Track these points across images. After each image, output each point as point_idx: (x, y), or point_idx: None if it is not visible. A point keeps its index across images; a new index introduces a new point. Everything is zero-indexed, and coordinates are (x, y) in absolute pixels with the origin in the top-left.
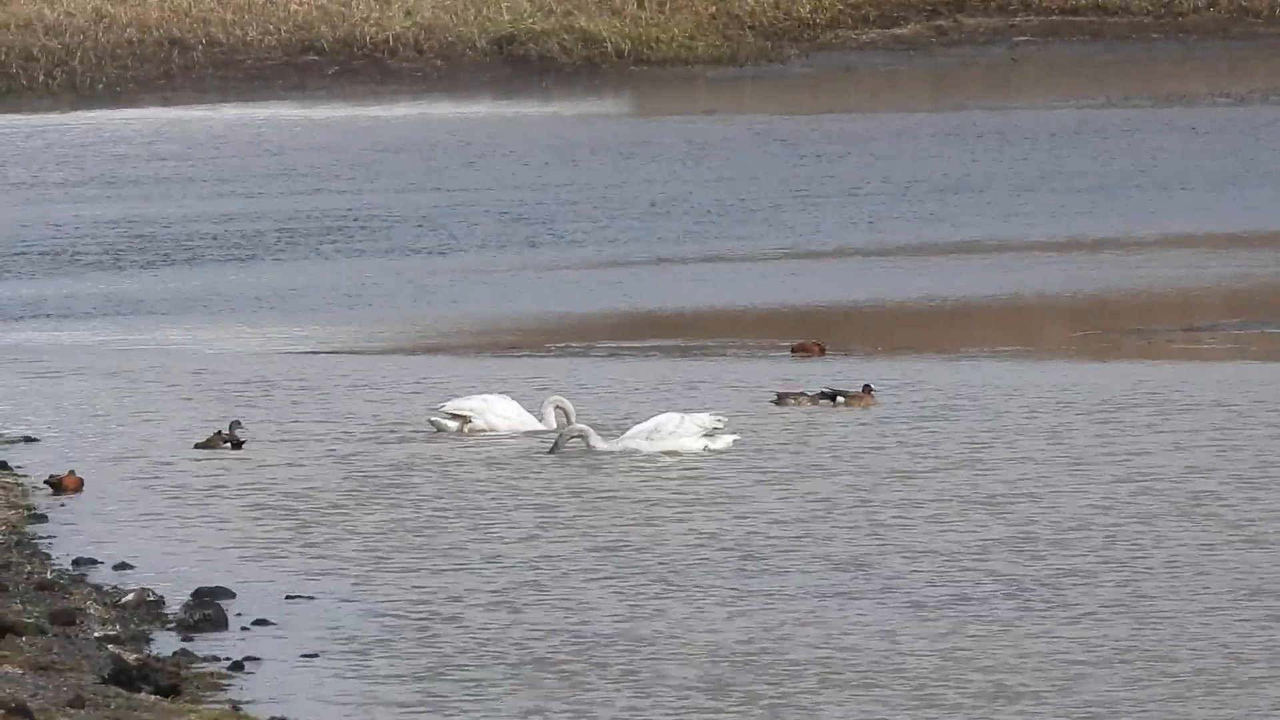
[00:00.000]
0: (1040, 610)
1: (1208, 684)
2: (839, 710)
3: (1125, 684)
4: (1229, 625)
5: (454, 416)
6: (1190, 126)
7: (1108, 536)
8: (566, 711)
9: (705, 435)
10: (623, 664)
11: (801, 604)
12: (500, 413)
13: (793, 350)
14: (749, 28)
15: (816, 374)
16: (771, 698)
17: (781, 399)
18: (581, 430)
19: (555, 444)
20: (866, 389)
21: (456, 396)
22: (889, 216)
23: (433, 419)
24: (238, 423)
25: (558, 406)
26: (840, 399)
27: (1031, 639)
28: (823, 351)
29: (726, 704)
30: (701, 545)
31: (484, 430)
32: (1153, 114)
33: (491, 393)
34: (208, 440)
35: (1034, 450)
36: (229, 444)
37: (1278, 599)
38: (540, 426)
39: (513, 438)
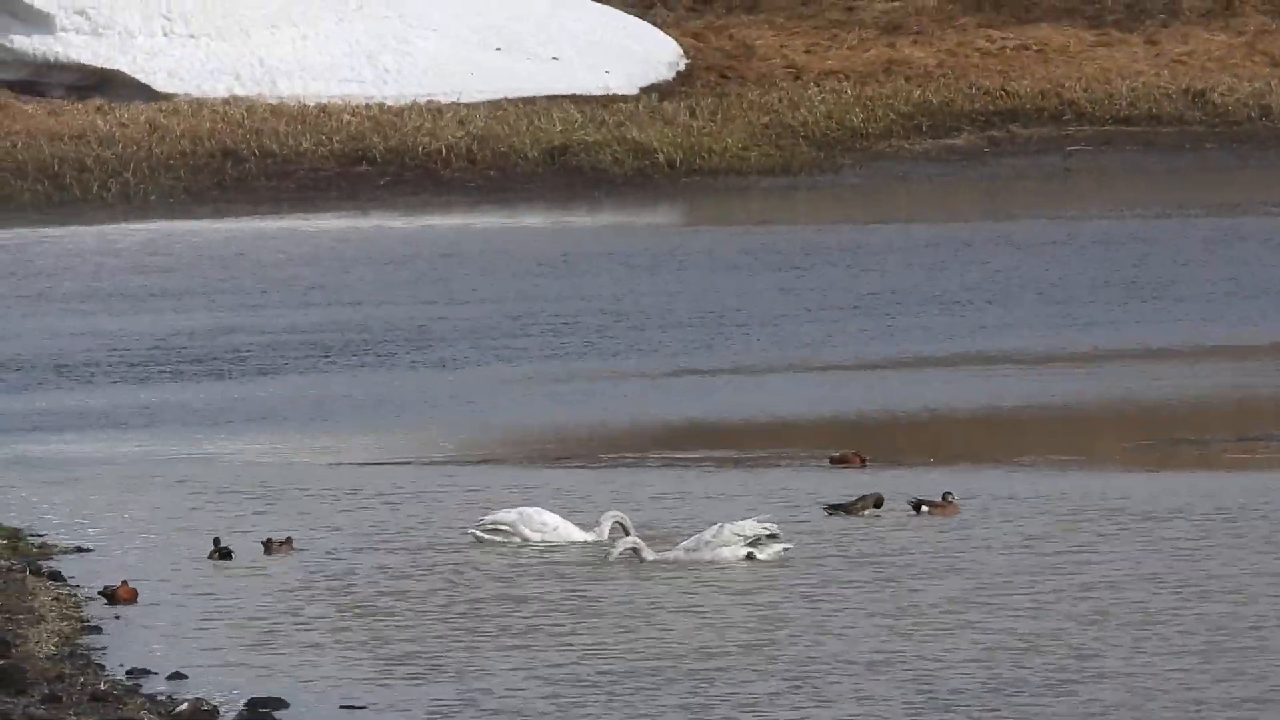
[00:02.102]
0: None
1: None
2: None
3: None
4: None
5: (494, 530)
6: (1244, 236)
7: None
8: None
9: (750, 544)
10: None
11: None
12: (536, 525)
13: (832, 461)
14: (802, 138)
15: (859, 486)
16: None
17: (835, 509)
18: (634, 544)
19: (609, 555)
20: (946, 497)
21: (498, 509)
22: (941, 326)
23: (474, 531)
24: (269, 540)
25: (617, 522)
26: (925, 508)
27: None
28: (863, 463)
29: None
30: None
31: (520, 543)
32: (1206, 223)
33: (529, 505)
34: (268, 544)
35: (1091, 564)
36: (218, 555)
37: None
38: (586, 536)
39: (557, 548)
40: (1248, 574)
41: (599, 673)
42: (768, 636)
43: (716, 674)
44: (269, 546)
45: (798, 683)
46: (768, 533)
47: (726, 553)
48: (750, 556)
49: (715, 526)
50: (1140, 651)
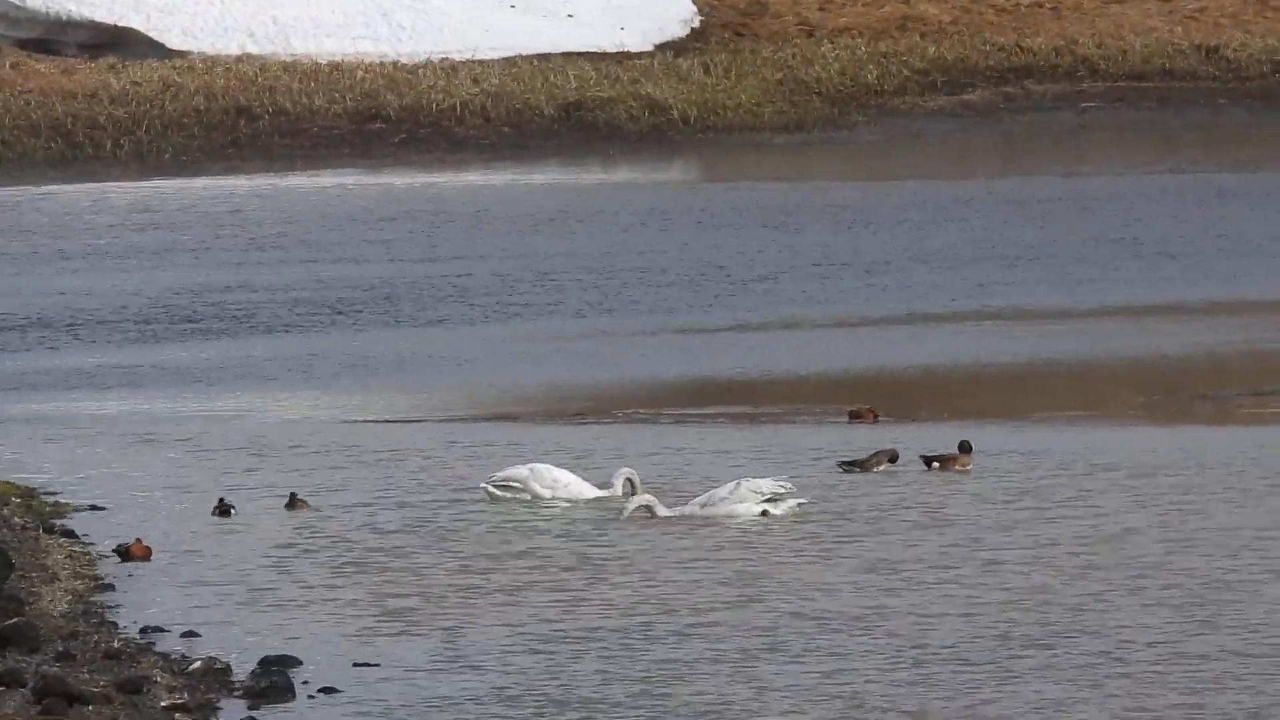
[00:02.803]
0: (1117, 669)
1: None
2: None
3: None
4: None
5: (505, 486)
6: (1258, 192)
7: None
8: None
9: (765, 500)
10: None
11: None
12: (548, 482)
13: (850, 416)
14: (816, 94)
15: (874, 440)
16: None
17: (850, 466)
18: (645, 501)
19: (623, 512)
20: (963, 447)
21: (509, 466)
22: (956, 282)
23: (485, 487)
24: (294, 495)
25: (628, 479)
26: (935, 464)
27: (1115, 697)
28: (876, 418)
29: None
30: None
31: (531, 499)
32: (1220, 179)
33: (539, 461)
34: (288, 502)
35: (1100, 518)
36: (219, 512)
37: None
38: (596, 493)
39: (569, 505)
40: (1249, 529)
41: (590, 629)
42: (760, 592)
43: (705, 629)
44: (293, 502)
45: (777, 639)
46: (784, 490)
47: (741, 509)
48: (765, 513)
49: (732, 483)
50: (1126, 606)
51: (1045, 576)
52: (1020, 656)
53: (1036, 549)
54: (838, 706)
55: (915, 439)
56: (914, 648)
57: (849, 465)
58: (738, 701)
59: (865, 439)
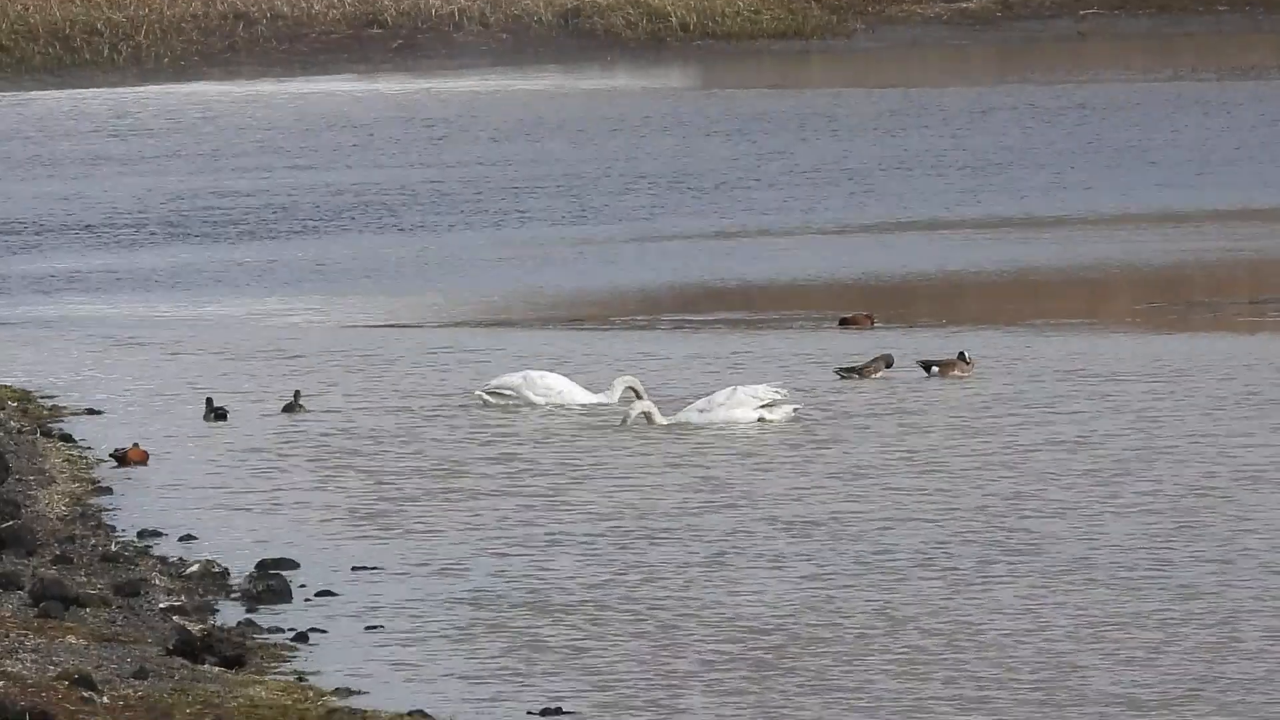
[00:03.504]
0: (1097, 580)
1: None
2: (890, 684)
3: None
4: None
5: (499, 393)
6: (1258, 99)
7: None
8: (631, 678)
9: (762, 406)
10: (696, 631)
11: (844, 576)
12: (541, 389)
13: (841, 323)
14: (814, 1)
15: (869, 346)
16: (809, 670)
17: (847, 372)
18: (645, 408)
19: (623, 420)
20: (961, 357)
21: (503, 372)
22: (954, 190)
23: (480, 394)
24: (298, 393)
25: (629, 387)
26: (934, 369)
27: (1098, 605)
28: (873, 323)
29: (765, 672)
30: (743, 515)
31: (523, 405)
32: (1220, 87)
33: (534, 368)
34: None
35: (1089, 423)
36: (214, 416)
37: None
38: (593, 399)
39: (564, 411)
40: (1224, 434)
41: (574, 533)
42: (739, 497)
43: (680, 535)
44: (293, 405)
45: (739, 543)
46: (780, 396)
47: (739, 415)
48: (762, 420)
49: (728, 389)
50: (1103, 513)
51: (1026, 483)
52: (995, 561)
53: (1025, 454)
54: (806, 609)
55: (911, 345)
56: (884, 552)
57: (846, 371)
58: (709, 604)
59: (861, 345)
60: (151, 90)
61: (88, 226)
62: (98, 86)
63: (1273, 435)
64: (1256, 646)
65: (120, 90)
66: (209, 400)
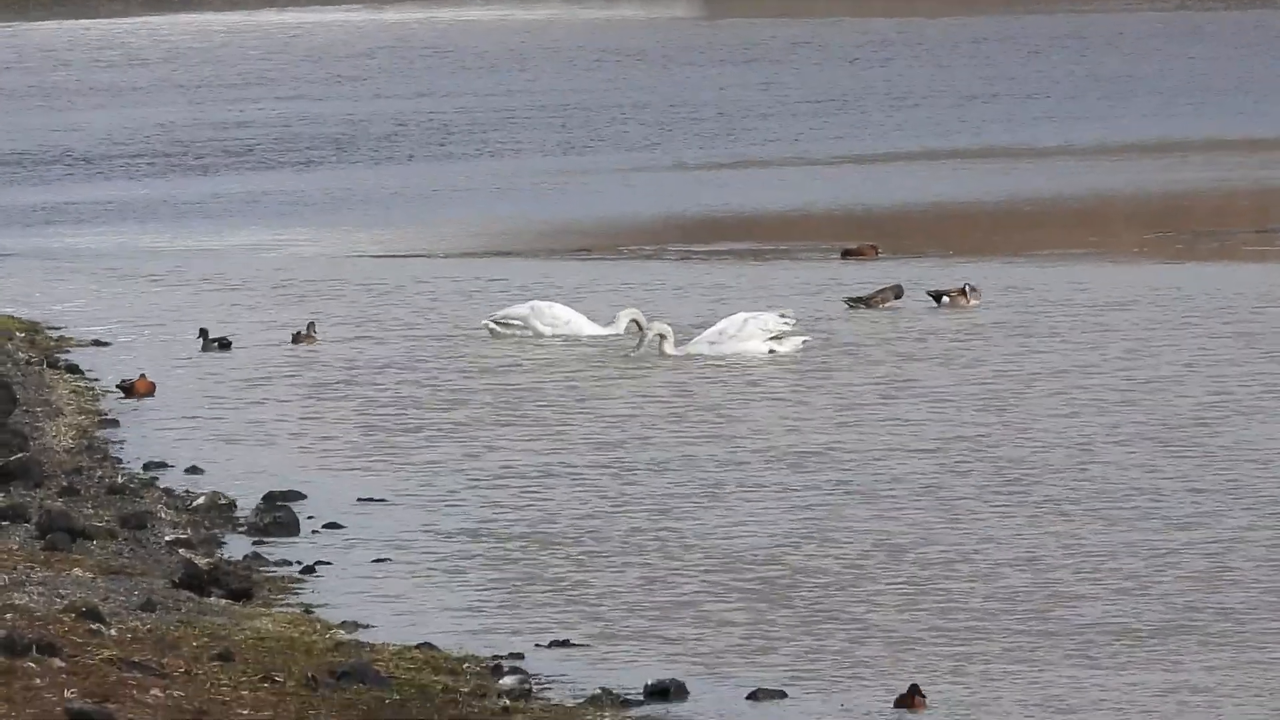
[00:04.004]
0: (1091, 510)
1: None
2: (884, 614)
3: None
4: None
5: (506, 323)
6: (1265, 29)
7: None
8: (636, 610)
9: (772, 338)
10: (697, 562)
11: (843, 503)
12: (549, 319)
13: (844, 254)
14: None
15: (876, 276)
16: (809, 599)
17: (856, 302)
18: (662, 330)
19: (638, 344)
20: (967, 288)
21: (511, 303)
22: (956, 120)
23: (487, 324)
24: (313, 324)
25: (633, 320)
26: (945, 299)
27: (1092, 535)
28: (877, 253)
29: (769, 601)
30: (745, 446)
31: (531, 336)
32: (1227, 17)
33: (541, 299)
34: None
35: (1105, 354)
36: (216, 344)
37: None
38: (600, 331)
39: (571, 342)
40: (1221, 363)
41: (574, 464)
42: (737, 428)
43: (682, 465)
44: (298, 337)
45: (739, 474)
46: (789, 327)
47: (749, 346)
48: (772, 351)
49: (738, 320)
50: (1098, 442)
51: (1024, 413)
52: (991, 491)
53: (1024, 384)
54: (805, 539)
55: (917, 275)
56: (881, 483)
57: (854, 302)
58: (707, 532)
59: (867, 275)
60: (154, 20)
61: (87, 158)
62: (100, 17)
63: (1268, 364)
64: (1249, 576)
65: (122, 21)
66: (203, 331)
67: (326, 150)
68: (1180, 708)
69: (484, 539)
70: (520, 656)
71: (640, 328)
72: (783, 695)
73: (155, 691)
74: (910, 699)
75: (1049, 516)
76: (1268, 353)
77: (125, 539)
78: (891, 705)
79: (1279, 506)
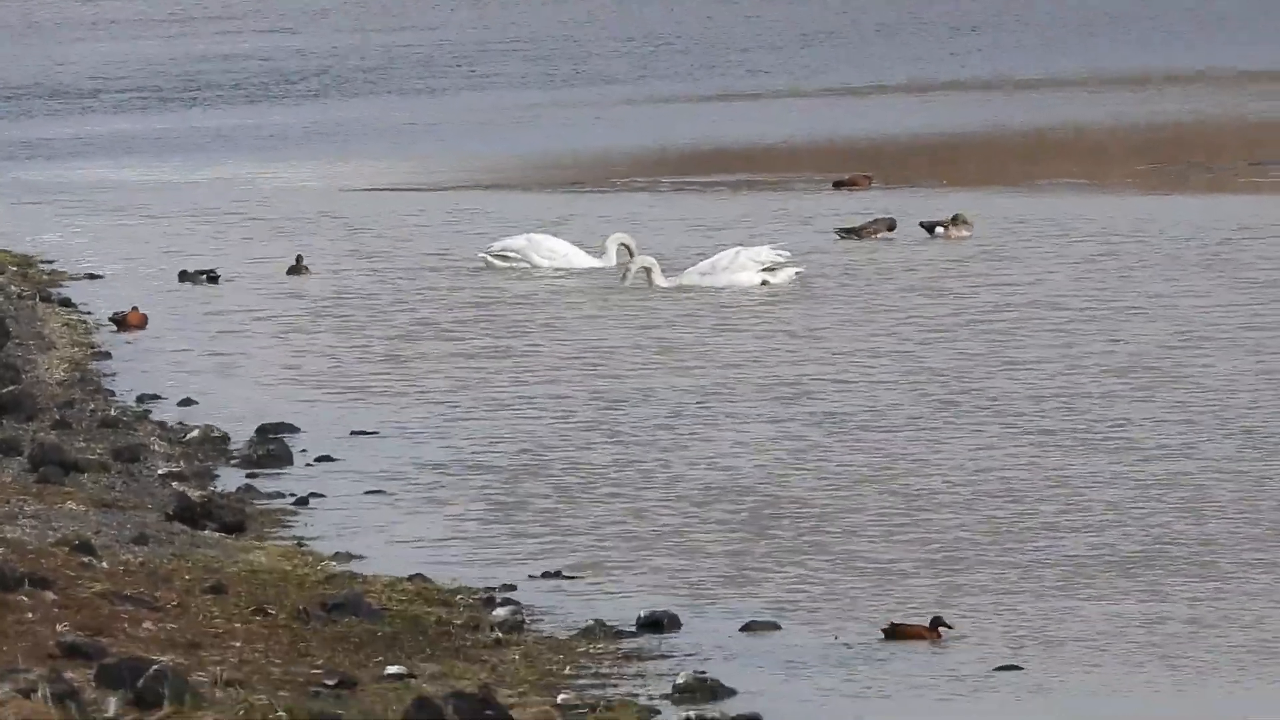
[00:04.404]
0: (1061, 443)
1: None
2: (859, 544)
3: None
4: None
5: (502, 255)
6: None
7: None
8: (625, 541)
9: (764, 269)
10: (686, 493)
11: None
12: (545, 251)
13: (835, 185)
14: None
15: (868, 207)
16: (790, 529)
17: (848, 233)
18: (647, 263)
19: (623, 276)
20: (959, 219)
21: (507, 235)
22: (947, 50)
23: (483, 256)
24: (300, 257)
25: (622, 244)
26: (939, 230)
27: (1068, 465)
28: (869, 183)
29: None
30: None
31: (527, 268)
32: None
33: (537, 231)
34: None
35: (1093, 286)
36: (205, 278)
37: None
38: (594, 263)
39: (565, 274)
40: (1212, 295)
41: (561, 396)
42: (721, 360)
43: (663, 396)
44: (296, 268)
45: (721, 406)
46: (782, 258)
47: (742, 278)
48: (765, 283)
49: (731, 251)
50: (1076, 374)
51: (1005, 344)
52: (967, 422)
53: (1010, 316)
54: (787, 466)
55: (910, 206)
56: (861, 414)
57: (846, 233)
58: (696, 463)
59: (860, 206)
60: None
61: (73, 92)
62: None
63: (1238, 295)
64: (1216, 507)
65: None
66: (182, 273)
67: (311, 84)
68: (1168, 638)
69: (475, 471)
70: (513, 588)
71: (631, 252)
72: (776, 627)
73: (148, 624)
74: (934, 631)
75: (1035, 448)
76: (1254, 285)
77: (118, 472)
78: (882, 636)
79: (1262, 438)
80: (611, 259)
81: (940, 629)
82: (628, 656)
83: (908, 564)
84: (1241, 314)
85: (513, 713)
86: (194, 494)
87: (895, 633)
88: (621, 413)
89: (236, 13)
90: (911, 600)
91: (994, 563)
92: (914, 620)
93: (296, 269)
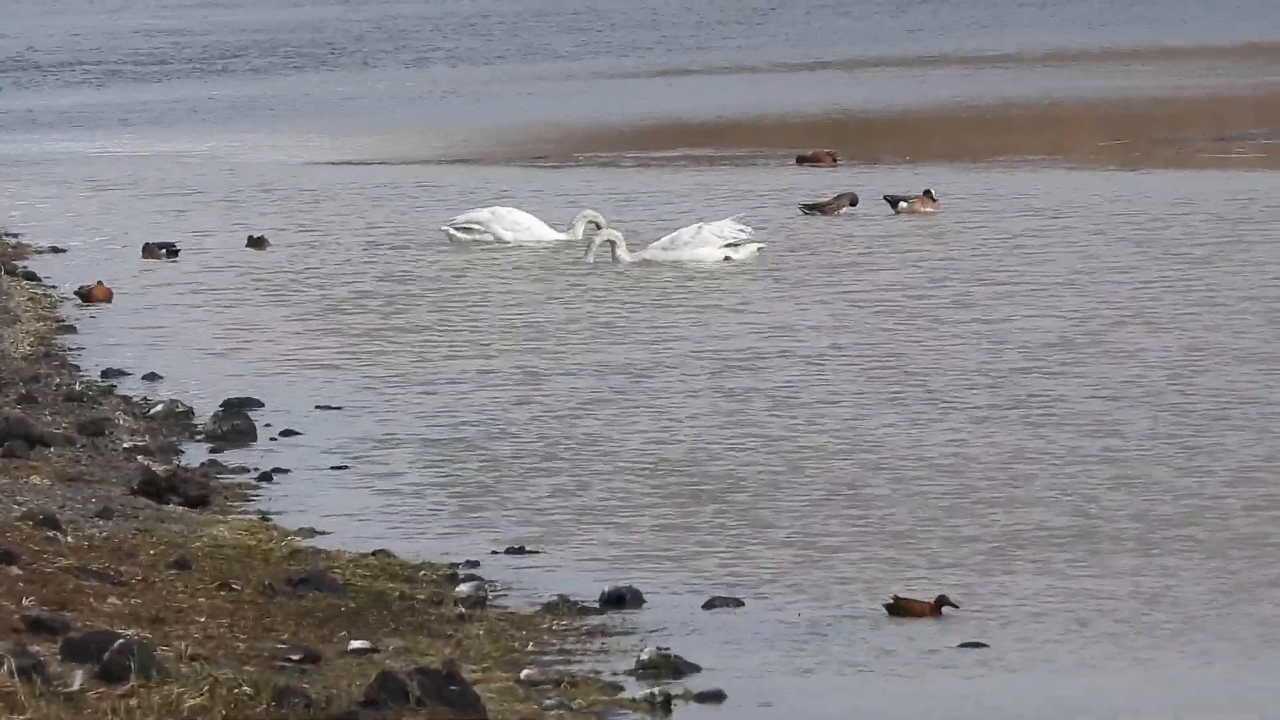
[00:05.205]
0: (1021, 410)
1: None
2: (806, 520)
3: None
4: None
5: (466, 228)
6: None
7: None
8: (592, 519)
9: (727, 244)
10: (647, 467)
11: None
12: (509, 224)
13: (799, 161)
14: None
15: (833, 183)
16: (749, 503)
17: (811, 209)
18: (612, 236)
19: (587, 250)
20: (927, 194)
21: (471, 208)
22: (914, 26)
23: (447, 229)
24: (262, 237)
25: (590, 221)
26: (903, 204)
27: (1020, 441)
28: (834, 161)
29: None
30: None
31: (493, 241)
32: None
33: (500, 204)
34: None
35: (1054, 262)
36: (165, 252)
37: None
38: (558, 236)
39: (529, 248)
40: (1181, 269)
41: (523, 370)
42: (681, 335)
43: (624, 371)
44: (255, 241)
45: (681, 381)
46: (745, 234)
47: (704, 253)
48: (728, 258)
49: (694, 227)
50: (1040, 347)
51: (975, 319)
52: (913, 399)
53: (977, 290)
54: (748, 442)
55: (875, 182)
56: (808, 389)
57: (810, 208)
58: (657, 438)
59: (824, 182)
60: None
61: (39, 65)
62: None
63: (1192, 270)
64: (1159, 478)
65: None
66: (145, 245)
67: (273, 58)
68: (1106, 613)
69: (439, 446)
70: (476, 564)
71: (599, 227)
72: (739, 604)
73: (112, 599)
74: (936, 610)
75: (987, 423)
76: (1228, 259)
77: (83, 446)
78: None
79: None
80: (578, 234)
81: (944, 608)
82: (591, 633)
83: (851, 540)
84: (1226, 287)
85: (477, 688)
86: (159, 468)
87: (898, 608)
88: (583, 387)
89: None
90: (884, 580)
91: (949, 540)
92: (919, 597)
93: (257, 242)
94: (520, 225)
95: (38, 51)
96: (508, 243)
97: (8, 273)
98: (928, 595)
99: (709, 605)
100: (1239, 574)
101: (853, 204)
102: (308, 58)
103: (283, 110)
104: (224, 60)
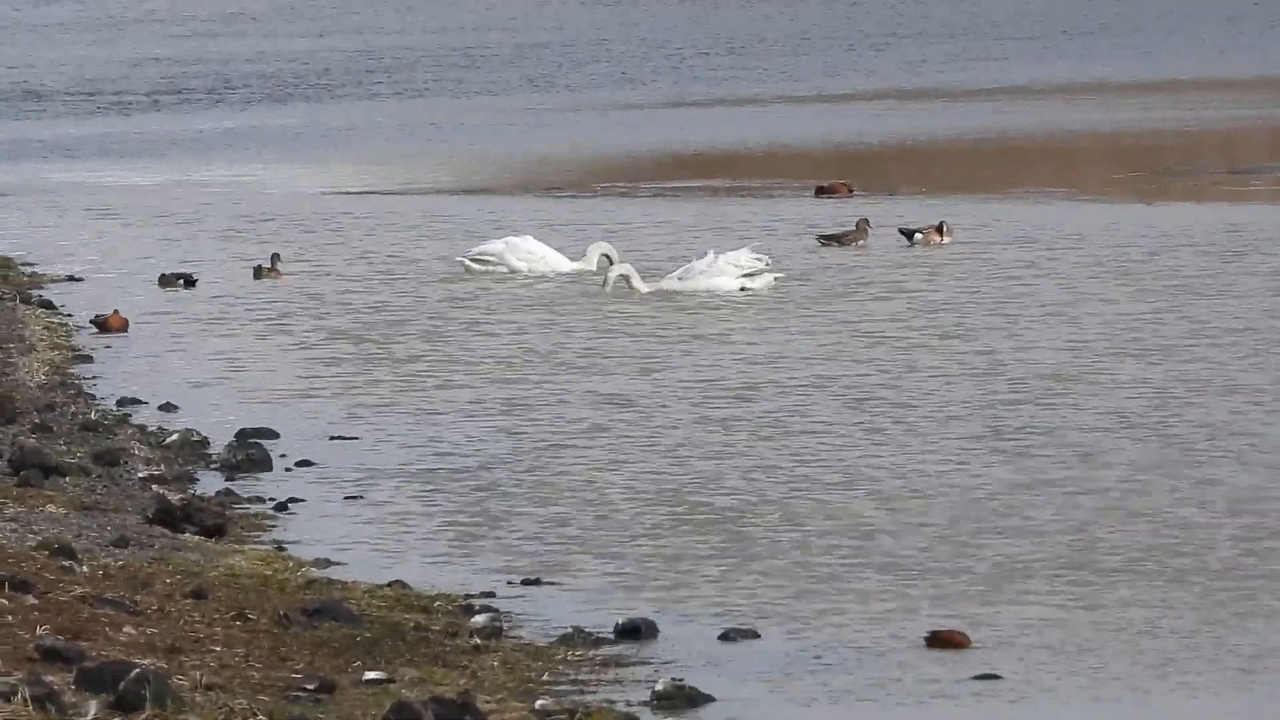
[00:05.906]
0: (998, 447)
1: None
2: (802, 550)
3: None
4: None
5: (481, 259)
6: None
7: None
8: (607, 550)
9: (744, 274)
10: (662, 499)
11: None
12: (523, 255)
13: (818, 191)
14: None
15: (849, 214)
16: (744, 529)
17: (828, 240)
18: (624, 271)
19: (605, 282)
20: (940, 226)
21: (486, 239)
22: (929, 58)
23: (462, 260)
24: (276, 255)
25: (603, 254)
26: (918, 236)
27: (1006, 470)
28: (851, 192)
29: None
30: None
31: (507, 272)
32: None
33: (515, 234)
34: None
35: (1060, 297)
36: (182, 282)
37: None
38: (573, 266)
39: (544, 279)
40: (1199, 302)
41: (539, 401)
42: (698, 365)
43: (640, 402)
44: (263, 271)
45: (696, 411)
46: (761, 263)
47: (720, 283)
48: (744, 288)
49: (709, 256)
50: (1058, 378)
51: (966, 353)
52: (909, 429)
53: (990, 323)
54: (760, 473)
55: (891, 214)
56: (806, 417)
57: (827, 239)
58: (671, 469)
59: (841, 213)
60: None
61: (52, 94)
62: None
63: (1185, 303)
64: (1143, 508)
65: None
66: (161, 276)
67: (297, 87)
68: (1104, 643)
69: (454, 476)
70: (491, 595)
71: (611, 261)
72: (755, 635)
73: (128, 629)
74: (955, 639)
75: (1002, 453)
76: (1240, 293)
77: (98, 475)
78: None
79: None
80: (592, 264)
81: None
82: (606, 663)
83: (886, 572)
84: (1242, 320)
85: (491, 718)
86: (174, 497)
87: (936, 640)
88: (601, 417)
89: (219, 17)
90: (894, 611)
91: (940, 570)
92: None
93: (267, 272)
94: (535, 255)
95: (46, 80)
96: (522, 273)
97: (24, 301)
98: (960, 628)
99: (725, 636)
100: (1229, 605)
101: (867, 225)
102: (324, 88)
103: (298, 140)
104: (238, 91)
